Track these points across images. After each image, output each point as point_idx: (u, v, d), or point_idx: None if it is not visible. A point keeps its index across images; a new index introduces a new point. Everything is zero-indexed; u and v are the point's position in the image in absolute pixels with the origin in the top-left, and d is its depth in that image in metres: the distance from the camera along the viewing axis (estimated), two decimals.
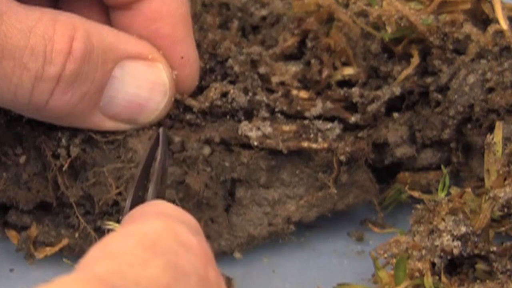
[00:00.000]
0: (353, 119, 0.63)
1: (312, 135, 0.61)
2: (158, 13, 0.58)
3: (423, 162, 0.64)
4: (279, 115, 0.62)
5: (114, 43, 0.57)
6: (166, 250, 0.39)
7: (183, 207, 0.59)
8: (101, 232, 0.60)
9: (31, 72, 0.54)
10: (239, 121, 0.61)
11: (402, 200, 0.64)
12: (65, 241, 0.60)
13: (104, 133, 0.59)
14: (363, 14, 0.64)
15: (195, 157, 0.59)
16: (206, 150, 0.59)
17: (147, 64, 0.58)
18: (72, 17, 0.56)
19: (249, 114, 0.61)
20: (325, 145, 0.60)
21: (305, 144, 0.60)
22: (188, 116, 0.60)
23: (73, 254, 0.60)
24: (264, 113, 0.61)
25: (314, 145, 0.60)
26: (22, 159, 0.60)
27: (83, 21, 0.56)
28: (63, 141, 0.59)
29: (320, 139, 0.61)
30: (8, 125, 0.60)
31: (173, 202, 0.59)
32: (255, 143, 0.60)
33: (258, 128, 0.60)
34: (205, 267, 0.40)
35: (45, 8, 0.56)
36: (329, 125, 0.62)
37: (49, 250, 0.60)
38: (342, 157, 0.60)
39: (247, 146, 0.60)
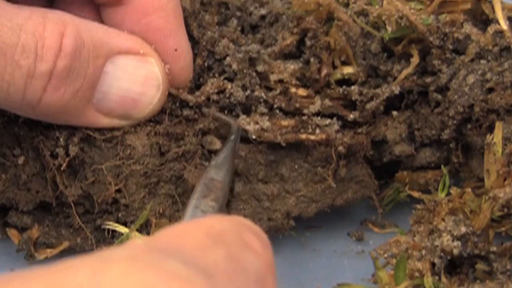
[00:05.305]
0: (351, 116, 0.63)
1: (310, 130, 0.61)
2: (149, 7, 0.58)
3: (422, 161, 0.64)
4: (277, 111, 0.62)
5: (104, 38, 0.57)
6: (229, 243, 0.39)
7: (182, 203, 0.59)
8: (101, 231, 0.60)
9: (23, 69, 0.54)
10: (237, 116, 0.60)
11: (400, 199, 0.64)
12: (66, 243, 0.60)
13: (101, 130, 0.59)
14: (363, 13, 0.63)
15: (193, 151, 0.59)
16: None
17: (138, 59, 0.58)
18: (61, 15, 0.56)
19: (247, 109, 0.61)
20: (323, 136, 0.60)
21: (303, 136, 0.60)
22: (186, 112, 0.60)
23: (73, 254, 0.60)
24: (262, 109, 0.61)
25: (312, 137, 0.60)
26: (21, 160, 0.60)
27: (73, 18, 0.56)
28: (61, 141, 0.59)
29: (318, 131, 0.61)
30: (6, 126, 0.60)
31: (172, 197, 0.59)
32: (253, 137, 0.60)
33: (256, 122, 0.60)
34: (265, 272, 0.40)
35: (36, 7, 0.56)
36: (327, 121, 0.62)
37: (49, 252, 0.60)
38: (341, 148, 0.60)
39: (245, 140, 0.60)
